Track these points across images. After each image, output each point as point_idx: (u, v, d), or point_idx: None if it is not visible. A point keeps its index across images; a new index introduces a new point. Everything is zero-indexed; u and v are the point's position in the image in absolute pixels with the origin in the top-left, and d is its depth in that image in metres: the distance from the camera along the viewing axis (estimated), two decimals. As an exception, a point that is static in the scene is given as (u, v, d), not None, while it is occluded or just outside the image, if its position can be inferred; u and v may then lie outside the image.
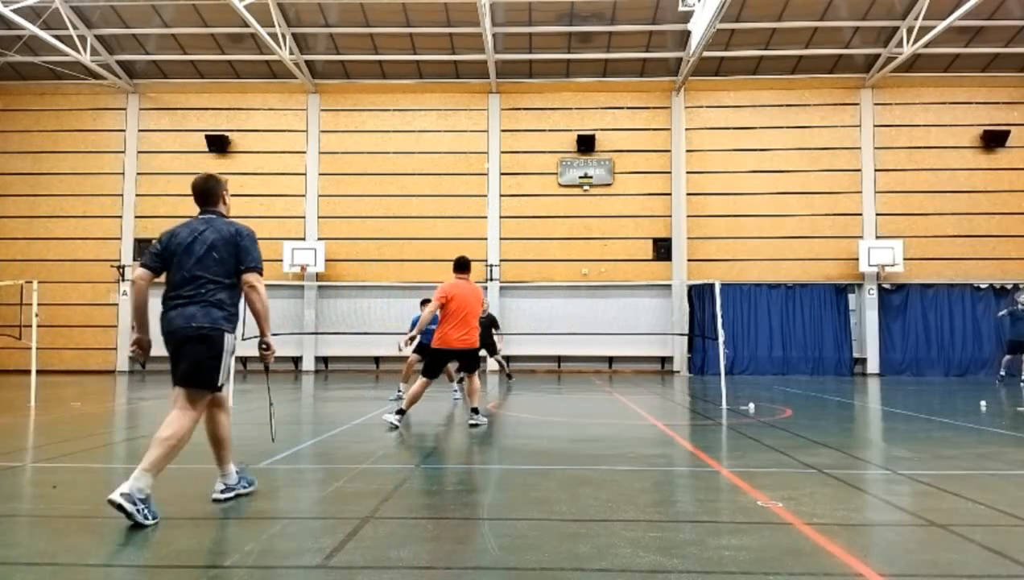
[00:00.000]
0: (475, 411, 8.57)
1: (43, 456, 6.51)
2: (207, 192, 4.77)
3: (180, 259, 4.44)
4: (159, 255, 4.50)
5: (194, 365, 4.32)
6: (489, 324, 15.00)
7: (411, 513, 4.34)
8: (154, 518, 4.00)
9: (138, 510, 3.91)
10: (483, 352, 14.06)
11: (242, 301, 4.57)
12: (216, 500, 4.54)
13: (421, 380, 8.32)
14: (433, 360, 8.49)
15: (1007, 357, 17.02)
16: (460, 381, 14.13)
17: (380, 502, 4.57)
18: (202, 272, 4.39)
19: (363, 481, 5.26)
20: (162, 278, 4.56)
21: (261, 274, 4.51)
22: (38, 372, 12.16)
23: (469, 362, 8.89)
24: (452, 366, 14.25)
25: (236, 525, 4.10)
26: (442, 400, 12.33)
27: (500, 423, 9.47)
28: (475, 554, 3.50)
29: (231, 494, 4.64)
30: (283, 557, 3.46)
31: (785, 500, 4.56)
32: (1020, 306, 16.79)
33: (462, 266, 8.63)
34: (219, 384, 4.43)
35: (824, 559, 3.45)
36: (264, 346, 4.60)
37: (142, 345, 4.46)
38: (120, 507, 3.87)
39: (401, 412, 8.22)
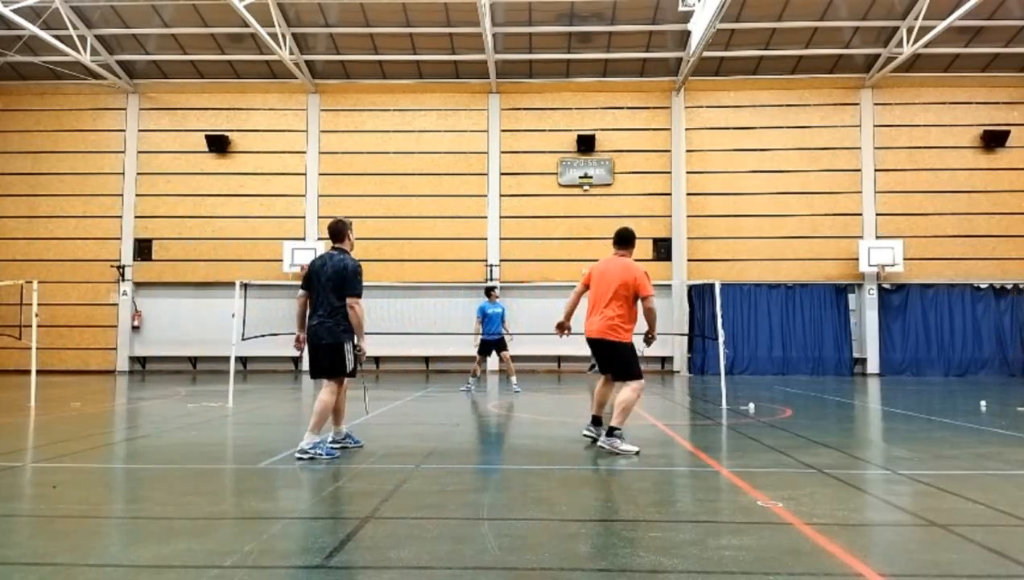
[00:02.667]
0: (610, 433, 6.53)
1: (43, 456, 6.51)
2: (337, 232, 6.61)
3: (315, 284, 6.32)
4: (306, 278, 6.45)
5: (327, 366, 6.30)
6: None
7: (411, 513, 4.34)
8: (329, 455, 6.07)
9: (313, 455, 5.99)
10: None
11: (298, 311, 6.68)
12: (333, 443, 6.46)
13: (600, 380, 7.13)
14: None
15: None
16: (474, 375, 13.93)
17: (380, 502, 4.57)
18: (326, 295, 6.26)
19: (363, 481, 5.26)
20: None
21: (359, 298, 6.32)
22: (38, 372, 12.16)
23: (604, 364, 7.01)
24: (507, 355, 14.07)
25: (236, 525, 4.10)
26: (441, 400, 12.33)
27: (500, 423, 9.47)
28: (475, 554, 3.50)
29: (338, 445, 6.51)
30: (283, 557, 3.46)
31: (785, 500, 4.56)
32: None
33: (614, 238, 7.16)
34: (348, 372, 6.32)
35: (824, 559, 3.45)
36: (358, 350, 6.38)
37: (300, 341, 6.50)
38: (302, 459, 5.96)
39: (609, 429, 6.70)
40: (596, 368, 7.30)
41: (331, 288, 6.22)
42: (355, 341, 6.27)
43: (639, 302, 6.87)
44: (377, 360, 21.04)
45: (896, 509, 4.55)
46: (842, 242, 20.62)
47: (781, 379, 18.74)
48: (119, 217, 21.43)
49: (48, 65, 20.61)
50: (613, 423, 6.52)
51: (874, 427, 9.36)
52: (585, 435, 7.11)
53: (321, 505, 4.63)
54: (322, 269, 6.29)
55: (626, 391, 6.64)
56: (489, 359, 14.90)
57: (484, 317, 13.80)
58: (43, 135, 21.68)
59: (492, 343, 13.89)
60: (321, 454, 6.04)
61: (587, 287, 7.05)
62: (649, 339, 6.88)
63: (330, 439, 6.47)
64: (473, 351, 14.49)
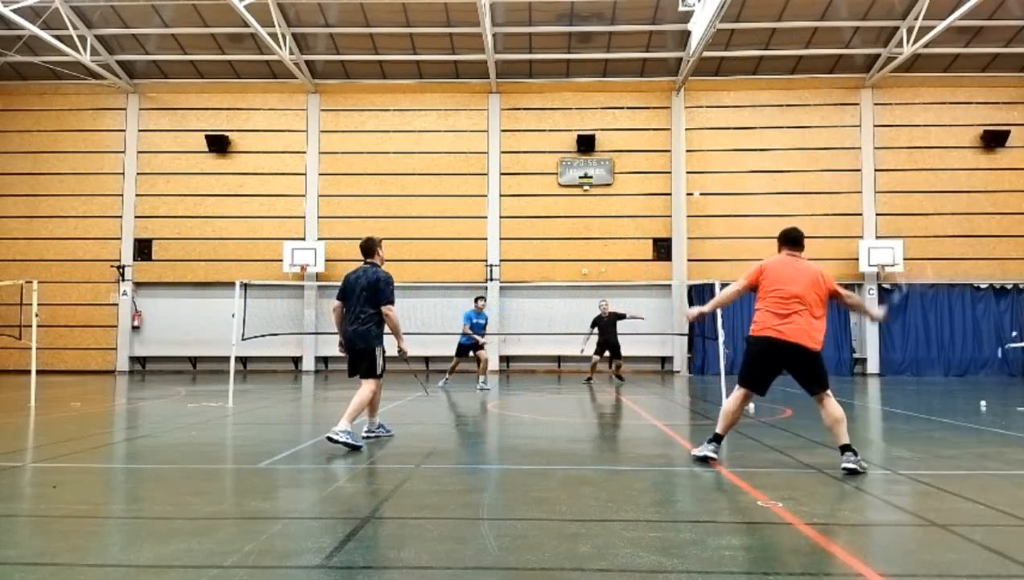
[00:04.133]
0: (847, 450, 5.63)
1: (43, 456, 6.51)
2: (368, 249, 7.38)
3: (349, 294, 7.08)
4: (342, 290, 7.20)
5: (363, 368, 6.97)
6: (615, 322, 15.98)
7: (411, 513, 4.34)
8: (356, 443, 6.52)
9: (346, 441, 6.45)
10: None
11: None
12: (366, 436, 7.14)
13: (737, 394, 6.15)
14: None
15: None
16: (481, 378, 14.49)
17: (380, 502, 4.57)
18: (359, 305, 6.96)
19: (363, 481, 5.26)
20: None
21: (392, 304, 6.97)
22: (38, 372, 12.16)
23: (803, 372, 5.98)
24: (483, 355, 14.66)
25: (236, 525, 4.10)
26: (441, 400, 12.33)
27: (500, 423, 9.47)
28: (475, 554, 3.50)
29: (372, 435, 7.26)
30: (283, 557, 3.46)
31: (785, 500, 4.56)
32: None
33: (786, 239, 6.36)
34: (378, 374, 6.93)
35: (824, 559, 3.45)
36: (400, 351, 7.24)
37: (343, 346, 7.12)
38: (334, 442, 6.46)
39: (717, 439, 6.10)
40: (590, 380, 7.23)
41: (365, 298, 6.91)
42: (384, 346, 7.00)
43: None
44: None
45: (896, 509, 4.55)
46: (842, 242, 20.61)
47: (781, 379, 18.68)
48: (119, 217, 21.43)
49: (48, 65, 20.61)
50: (846, 441, 5.68)
51: (874, 427, 9.35)
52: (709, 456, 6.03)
53: (321, 505, 4.62)
54: (357, 282, 7.04)
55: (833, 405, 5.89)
56: (493, 360, 15.27)
57: (472, 325, 14.64)
58: (43, 135, 21.69)
59: (469, 346, 14.70)
60: (349, 441, 6.47)
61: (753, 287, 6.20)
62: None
63: (364, 430, 7.21)
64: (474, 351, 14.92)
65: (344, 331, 7.06)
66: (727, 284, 6.26)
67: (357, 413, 6.71)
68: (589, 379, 16.58)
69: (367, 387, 6.87)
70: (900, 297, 10.92)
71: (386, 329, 7.01)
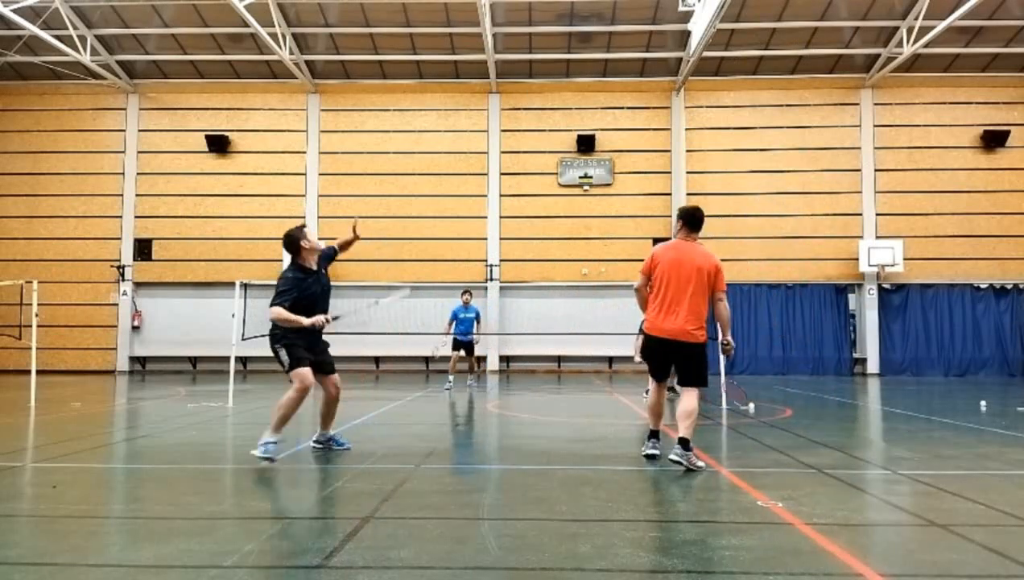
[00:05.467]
0: (682, 444, 5.62)
1: (43, 456, 6.51)
2: (288, 245, 6.79)
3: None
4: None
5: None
6: None
7: (411, 513, 4.34)
8: (267, 455, 5.90)
9: (261, 455, 5.86)
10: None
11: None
12: (315, 442, 6.70)
13: (651, 387, 6.28)
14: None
15: None
16: (471, 372, 14.14)
17: (380, 502, 4.57)
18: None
19: (363, 481, 5.26)
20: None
21: (276, 306, 6.27)
22: (38, 372, 12.15)
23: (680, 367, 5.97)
24: (472, 359, 14.43)
25: (236, 525, 4.10)
26: (441, 400, 12.33)
27: (500, 423, 9.47)
28: (475, 554, 3.50)
29: (320, 445, 6.65)
30: (283, 557, 3.46)
31: (785, 500, 4.56)
32: None
33: (686, 219, 6.27)
34: (285, 370, 6.26)
35: (824, 559, 3.44)
36: (314, 324, 6.42)
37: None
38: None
39: (655, 435, 6.15)
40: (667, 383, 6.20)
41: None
42: (287, 340, 6.20)
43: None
44: (377, 360, 21.04)
45: (896, 509, 4.55)
46: (842, 242, 20.62)
47: (781, 379, 18.74)
48: (119, 217, 21.43)
49: (48, 65, 20.61)
50: (687, 435, 5.65)
51: (874, 427, 9.36)
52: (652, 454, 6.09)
53: (321, 505, 4.62)
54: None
55: (688, 397, 5.86)
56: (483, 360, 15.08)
57: (455, 320, 14.37)
58: (43, 135, 21.68)
59: (463, 343, 14.41)
60: (262, 455, 5.84)
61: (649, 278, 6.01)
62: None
63: (312, 439, 6.77)
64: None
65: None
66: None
67: (279, 422, 6.08)
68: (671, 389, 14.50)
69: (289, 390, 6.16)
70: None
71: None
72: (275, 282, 6.54)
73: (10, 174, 21.63)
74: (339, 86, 21.63)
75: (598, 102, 21.43)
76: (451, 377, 14.28)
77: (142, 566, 3.32)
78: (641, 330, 6.24)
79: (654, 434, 6.11)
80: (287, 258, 6.73)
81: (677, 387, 6.31)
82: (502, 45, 20.25)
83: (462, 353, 14.52)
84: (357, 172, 21.39)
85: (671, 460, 5.64)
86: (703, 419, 9.83)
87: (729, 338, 5.95)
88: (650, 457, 6.01)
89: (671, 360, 5.95)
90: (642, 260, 6.32)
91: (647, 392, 7.45)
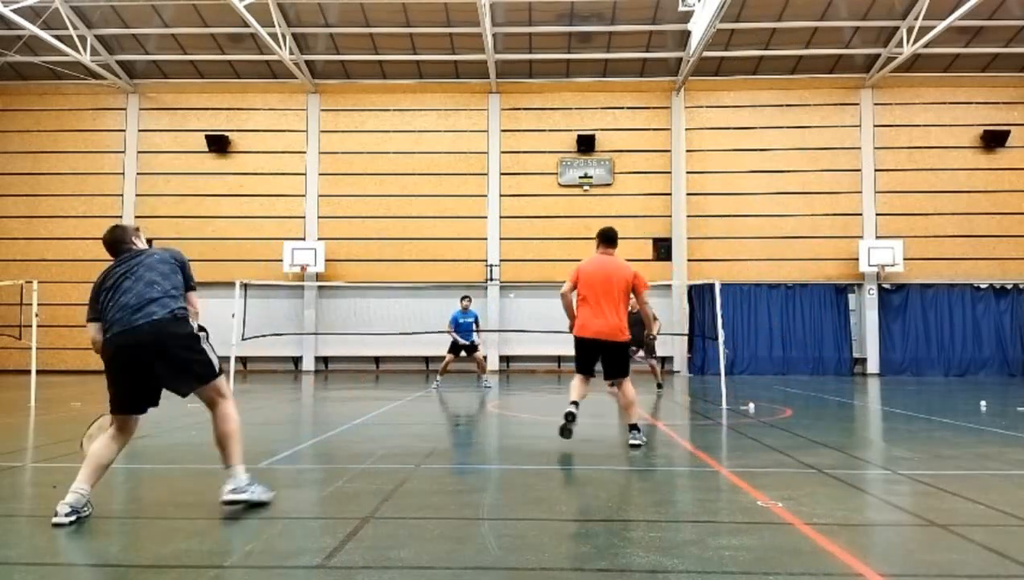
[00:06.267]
0: (633, 428, 6.82)
1: (43, 456, 6.51)
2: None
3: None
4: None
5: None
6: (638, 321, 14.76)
7: (411, 513, 4.34)
8: (262, 496, 4.42)
9: (252, 499, 4.36)
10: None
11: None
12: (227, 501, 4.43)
13: (577, 378, 7.06)
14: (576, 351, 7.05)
15: None
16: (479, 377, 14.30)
17: (380, 502, 4.57)
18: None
19: (363, 481, 5.26)
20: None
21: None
22: (38, 372, 12.16)
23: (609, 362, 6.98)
24: (479, 356, 14.57)
25: (236, 525, 4.10)
26: (441, 401, 12.33)
27: (500, 423, 9.47)
28: (475, 554, 3.50)
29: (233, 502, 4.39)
30: (283, 557, 3.46)
31: (785, 500, 4.56)
32: None
33: (601, 238, 7.10)
34: (217, 374, 4.52)
35: (824, 559, 3.44)
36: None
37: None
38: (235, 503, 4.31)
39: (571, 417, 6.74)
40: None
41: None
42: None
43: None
44: (377, 360, 21.04)
45: (896, 509, 4.55)
46: (842, 242, 20.62)
47: (781, 379, 18.73)
48: (119, 217, 21.41)
49: (48, 65, 20.61)
50: (634, 421, 6.85)
51: (874, 427, 9.36)
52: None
53: (321, 505, 4.62)
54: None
55: (627, 388, 6.96)
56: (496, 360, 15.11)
57: (456, 326, 14.53)
58: (43, 135, 21.68)
59: (463, 345, 14.57)
60: (255, 499, 4.40)
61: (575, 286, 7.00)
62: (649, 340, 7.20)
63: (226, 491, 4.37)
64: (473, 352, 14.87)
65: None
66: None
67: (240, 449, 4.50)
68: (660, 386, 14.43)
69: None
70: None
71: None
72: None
73: (10, 174, 21.63)
74: (339, 86, 21.63)
75: (598, 102, 21.43)
76: (439, 378, 14.56)
77: (142, 566, 3.32)
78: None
79: (567, 415, 6.82)
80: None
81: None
82: (502, 45, 20.25)
83: (462, 354, 14.68)
84: (357, 172, 21.39)
85: (630, 445, 6.69)
86: (703, 419, 9.85)
87: (654, 333, 7.43)
88: (569, 419, 6.72)
89: (596, 357, 6.94)
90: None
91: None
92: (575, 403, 6.82)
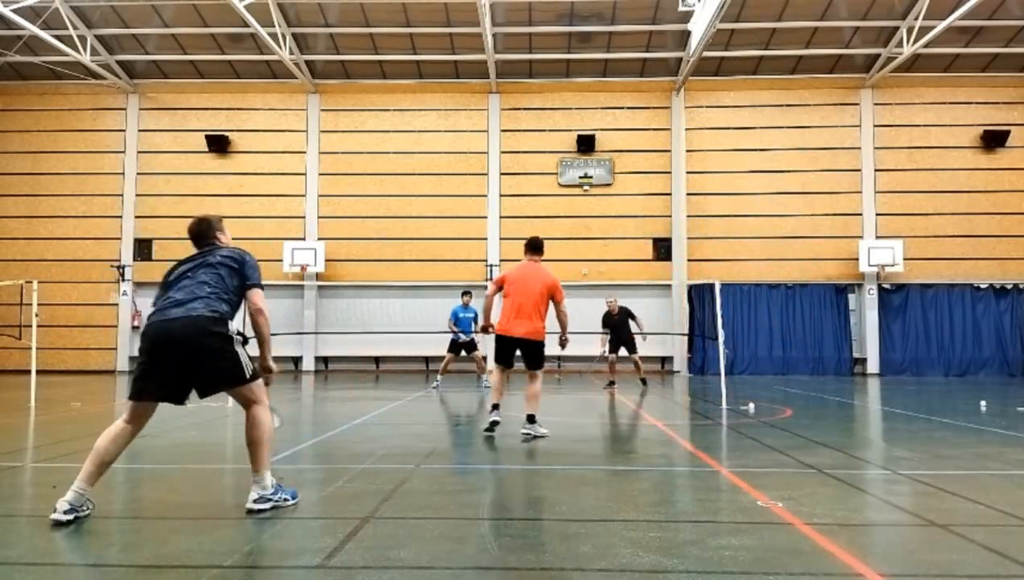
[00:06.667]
0: (532, 420, 7.39)
1: (43, 456, 6.51)
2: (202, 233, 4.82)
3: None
4: None
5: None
6: (626, 318, 14.87)
7: (411, 513, 4.34)
8: (287, 498, 4.43)
9: (277, 502, 4.37)
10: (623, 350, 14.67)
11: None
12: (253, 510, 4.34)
13: (495, 370, 7.78)
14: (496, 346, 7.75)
15: None
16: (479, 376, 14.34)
17: (380, 502, 4.57)
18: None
19: (363, 481, 5.26)
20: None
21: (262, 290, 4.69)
22: (38, 372, 12.15)
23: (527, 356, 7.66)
24: (479, 356, 14.59)
25: (236, 525, 4.10)
26: (441, 400, 12.33)
27: (500, 423, 9.46)
28: (475, 554, 3.49)
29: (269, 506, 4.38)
30: (283, 557, 3.46)
31: (785, 500, 4.56)
32: None
33: (529, 246, 7.96)
34: (248, 379, 4.47)
35: (824, 559, 3.44)
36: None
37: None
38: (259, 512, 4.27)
39: (495, 407, 7.60)
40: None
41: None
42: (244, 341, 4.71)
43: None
44: (377, 360, 21.04)
45: (896, 509, 4.55)
46: (842, 242, 20.62)
47: (781, 379, 18.74)
48: (119, 217, 21.43)
49: (48, 65, 20.61)
50: (533, 411, 7.41)
51: (874, 427, 9.36)
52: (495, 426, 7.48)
53: (321, 505, 4.62)
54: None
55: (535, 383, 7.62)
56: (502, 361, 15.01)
57: (456, 320, 14.43)
58: (43, 135, 21.69)
59: (462, 344, 14.46)
60: (282, 500, 4.40)
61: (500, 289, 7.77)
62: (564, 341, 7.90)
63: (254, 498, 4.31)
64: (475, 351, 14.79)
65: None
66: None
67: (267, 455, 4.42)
68: (612, 383, 14.38)
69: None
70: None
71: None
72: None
73: (10, 174, 21.63)
74: (339, 86, 21.63)
75: (598, 102, 21.43)
76: (439, 377, 14.52)
77: (142, 566, 3.32)
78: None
79: (495, 407, 7.53)
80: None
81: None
82: (502, 45, 20.25)
83: (463, 354, 14.61)
84: (357, 172, 21.39)
85: (523, 434, 7.23)
86: (703, 419, 9.85)
87: (568, 336, 7.95)
88: (494, 424, 7.40)
89: (515, 352, 7.58)
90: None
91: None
92: (496, 407, 7.54)
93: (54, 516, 3.90)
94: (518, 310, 7.50)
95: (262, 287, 4.50)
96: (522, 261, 7.93)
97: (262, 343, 4.50)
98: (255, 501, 4.25)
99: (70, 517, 3.92)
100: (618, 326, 14.82)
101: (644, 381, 14.95)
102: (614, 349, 14.78)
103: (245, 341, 4.44)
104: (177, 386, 4.30)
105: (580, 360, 20.62)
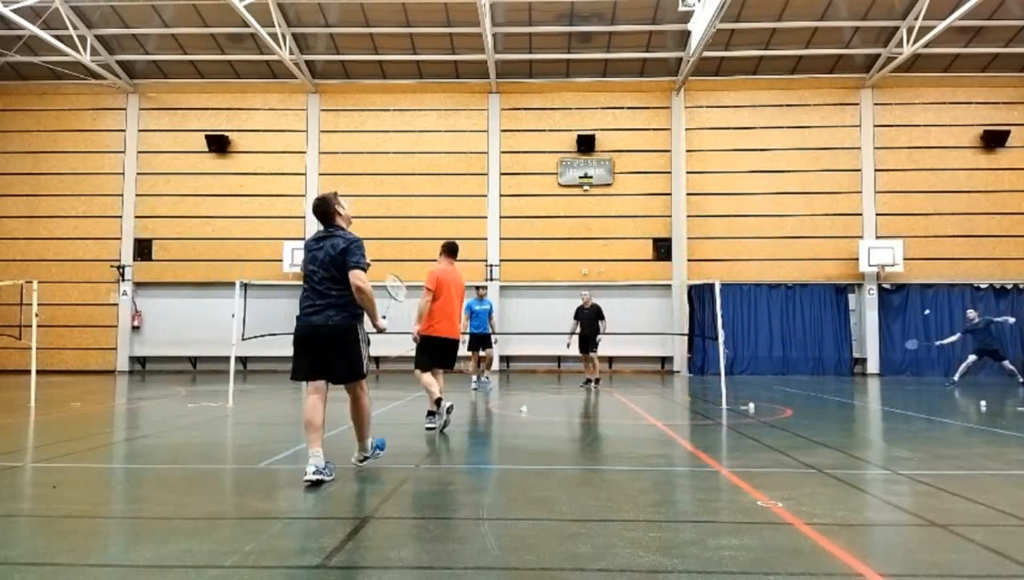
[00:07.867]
0: (433, 414, 7.82)
1: (43, 456, 6.51)
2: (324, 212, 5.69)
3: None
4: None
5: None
6: (595, 316, 14.86)
7: (411, 513, 4.34)
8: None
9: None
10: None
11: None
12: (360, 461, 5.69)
13: (425, 373, 7.91)
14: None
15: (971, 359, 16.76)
16: (479, 376, 14.24)
17: (380, 502, 4.57)
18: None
19: (363, 481, 5.26)
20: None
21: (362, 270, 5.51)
22: (38, 372, 12.15)
23: (450, 358, 8.19)
24: (491, 353, 14.50)
25: (236, 525, 4.10)
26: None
27: (500, 423, 9.47)
28: (475, 554, 3.49)
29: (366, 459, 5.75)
30: (283, 557, 3.46)
31: (785, 500, 4.56)
32: (971, 323, 16.86)
33: (447, 250, 8.58)
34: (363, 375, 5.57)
35: (824, 559, 3.44)
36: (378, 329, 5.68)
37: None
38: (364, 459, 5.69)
39: (438, 403, 7.79)
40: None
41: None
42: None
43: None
44: (378, 360, 21.03)
45: (896, 509, 4.55)
46: (842, 242, 20.62)
47: (781, 379, 18.74)
48: (119, 217, 21.43)
49: (48, 65, 20.61)
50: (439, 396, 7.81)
51: (874, 427, 9.36)
52: (434, 422, 7.81)
53: (321, 505, 4.62)
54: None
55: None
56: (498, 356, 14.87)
57: (471, 313, 14.15)
58: (43, 135, 21.69)
59: (478, 338, 14.21)
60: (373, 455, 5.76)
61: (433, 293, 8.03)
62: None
63: (354, 457, 5.74)
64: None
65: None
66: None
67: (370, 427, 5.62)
68: (588, 382, 14.67)
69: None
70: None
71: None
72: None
73: (10, 174, 21.63)
74: (339, 86, 21.63)
75: (598, 102, 21.43)
76: (474, 377, 14.14)
77: (142, 566, 3.32)
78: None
79: (438, 402, 7.76)
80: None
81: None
82: (502, 45, 20.25)
83: (480, 353, 14.29)
84: (357, 172, 21.39)
85: (427, 428, 7.74)
86: (703, 419, 9.85)
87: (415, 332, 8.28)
88: (448, 410, 7.85)
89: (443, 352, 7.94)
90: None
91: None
92: (439, 403, 7.77)
93: (305, 478, 4.87)
94: (451, 313, 8.01)
95: (364, 269, 5.25)
96: (442, 264, 8.29)
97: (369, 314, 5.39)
98: (356, 459, 5.62)
99: (316, 478, 4.87)
100: (585, 321, 14.79)
101: (595, 381, 14.83)
102: (583, 347, 14.82)
103: (368, 342, 5.45)
104: (327, 367, 5.25)
105: (580, 360, 20.62)
